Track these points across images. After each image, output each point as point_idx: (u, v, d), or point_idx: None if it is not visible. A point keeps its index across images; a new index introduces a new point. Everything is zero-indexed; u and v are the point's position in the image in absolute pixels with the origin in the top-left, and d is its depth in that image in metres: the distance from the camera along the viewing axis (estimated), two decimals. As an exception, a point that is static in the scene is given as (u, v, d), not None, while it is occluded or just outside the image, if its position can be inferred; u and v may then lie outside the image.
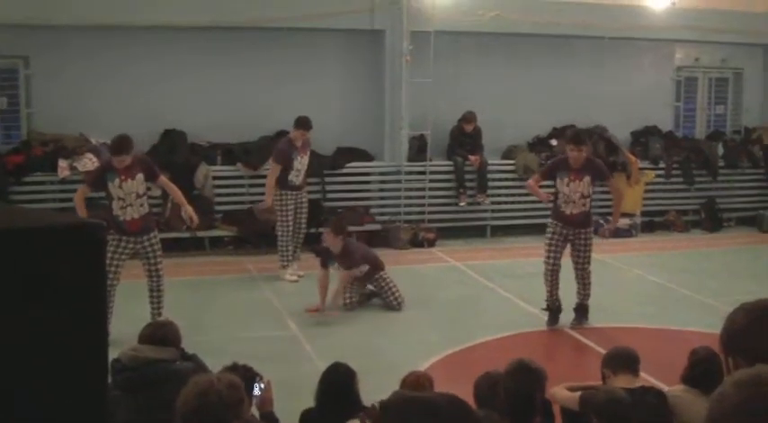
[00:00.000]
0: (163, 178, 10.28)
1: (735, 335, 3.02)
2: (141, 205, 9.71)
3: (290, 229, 12.73)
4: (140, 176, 9.69)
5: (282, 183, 12.53)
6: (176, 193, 10.47)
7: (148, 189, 10.05)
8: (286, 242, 12.74)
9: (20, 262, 3.42)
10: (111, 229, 9.54)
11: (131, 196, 9.62)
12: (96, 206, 10.67)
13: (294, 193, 12.69)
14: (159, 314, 9.67)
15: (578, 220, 10.37)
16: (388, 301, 11.33)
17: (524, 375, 5.02)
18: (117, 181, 9.57)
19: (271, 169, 12.73)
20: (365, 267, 11.21)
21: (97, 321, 3.68)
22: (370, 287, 11.54)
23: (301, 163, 12.68)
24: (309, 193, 14.92)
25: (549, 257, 10.45)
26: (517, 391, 4.89)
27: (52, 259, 3.51)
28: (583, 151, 10.26)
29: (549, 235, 10.46)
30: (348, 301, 11.25)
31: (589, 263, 10.47)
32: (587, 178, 10.26)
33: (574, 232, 10.37)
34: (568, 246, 10.49)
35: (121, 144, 9.65)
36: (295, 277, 12.67)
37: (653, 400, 5.73)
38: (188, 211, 10.27)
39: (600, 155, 14.97)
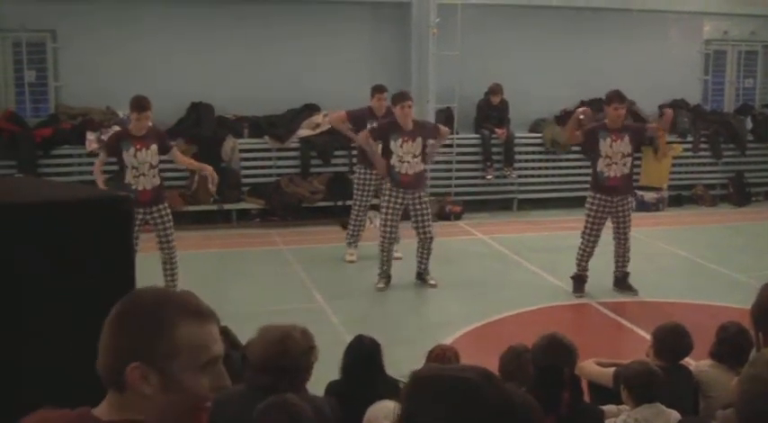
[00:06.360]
0: (175, 150, 10.42)
1: (766, 310, 3.00)
2: (154, 176, 9.78)
3: (365, 208, 12.21)
4: (154, 147, 9.80)
5: (367, 161, 11.70)
6: (188, 162, 10.74)
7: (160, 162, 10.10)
8: (356, 221, 12.18)
9: (49, 234, 3.45)
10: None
11: (145, 166, 9.70)
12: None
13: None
14: (174, 286, 9.63)
15: (621, 187, 10.40)
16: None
17: (555, 350, 4.99)
18: (132, 150, 9.66)
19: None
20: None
21: (126, 292, 3.71)
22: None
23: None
24: (335, 165, 14.88)
25: (590, 234, 10.46)
26: (547, 365, 4.87)
27: (81, 231, 3.54)
28: (624, 108, 10.51)
29: (592, 210, 10.44)
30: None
31: (630, 231, 10.55)
32: (627, 138, 10.40)
33: (615, 203, 10.37)
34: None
35: (142, 101, 9.68)
36: (354, 258, 12.19)
37: (682, 376, 5.72)
38: (209, 171, 10.15)
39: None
